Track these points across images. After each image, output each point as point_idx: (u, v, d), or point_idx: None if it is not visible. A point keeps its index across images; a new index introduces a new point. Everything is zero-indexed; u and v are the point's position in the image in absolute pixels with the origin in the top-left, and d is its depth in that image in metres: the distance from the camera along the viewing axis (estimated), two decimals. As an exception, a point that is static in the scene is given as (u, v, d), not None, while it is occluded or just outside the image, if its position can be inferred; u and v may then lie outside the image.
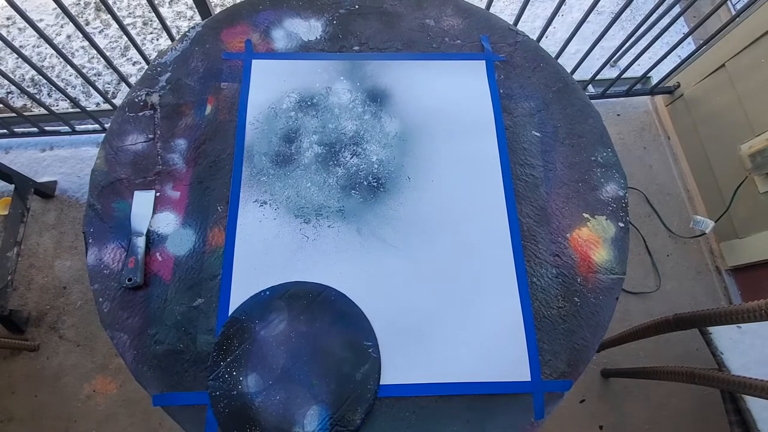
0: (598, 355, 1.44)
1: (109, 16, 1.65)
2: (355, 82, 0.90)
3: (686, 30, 1.87)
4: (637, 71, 1.65)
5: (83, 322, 1.44)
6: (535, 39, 1.05)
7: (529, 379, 0.71)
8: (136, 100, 0.87)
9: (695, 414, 1.41)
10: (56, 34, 1.91)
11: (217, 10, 1.10)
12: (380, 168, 0.84)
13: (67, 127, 1.59)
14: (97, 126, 1.62)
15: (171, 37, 1.37)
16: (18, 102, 1.79)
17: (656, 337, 1.10)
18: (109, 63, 1.35)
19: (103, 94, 1.48)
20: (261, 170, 0.82)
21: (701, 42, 1.47)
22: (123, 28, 1.26)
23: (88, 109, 1.56)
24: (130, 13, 1.98)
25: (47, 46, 1.49)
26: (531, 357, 0.72)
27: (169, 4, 2.01)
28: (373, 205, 0.81)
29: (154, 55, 1.86)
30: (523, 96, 0.92)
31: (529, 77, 0.94)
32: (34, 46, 1.88)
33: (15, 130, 1.60)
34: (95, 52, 1.33)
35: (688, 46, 1.89)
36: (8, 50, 1.72)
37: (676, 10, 1.38)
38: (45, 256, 1.52)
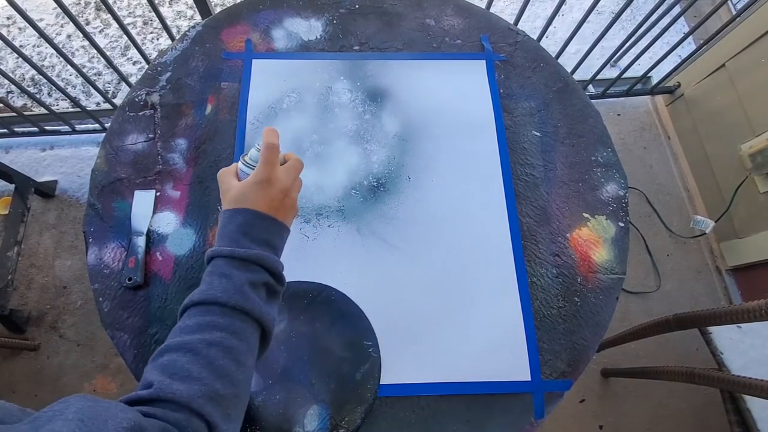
0: (598, 355, 1.44)
1: (109, 15, 1.65)
2: (355, 81, 0.90)
3: (686, 30, 1.87)
4: (637, 71, 1.65)
5: (83, 321, 1.44)
6: (535, 39, 1.05)
7: (529, 379, 0.71)
8: (137, 99, 0.87)
9: (695, 414, 1.41)
10: (56, 34, 1.91)
11: (218, 9, 1.11)
12: (380, 167, 0.84)
13: (67, 127, 1.59)
14: (97, 125, 1.62)
15: (171, 37, 1.37)
16: (18, 101, 1.79)
17: (656, 336, 1.10)
18: (110, 62, 1.35)
19: (103, 94, 1.48)
20: (261, 170, 0.82)
21: (701, 42, 1.47)
22: (123, 27, 1.26)
23: (88, 108, 1.56)
24: (130, 12, 1.98)
25: (47, 45, 1.48)
26: (531, 357, 0.72)
27: (170, 3, 2.01)
28: (373, 205, 0.81)
29: (154, 54, 1.86)
30: (524, 96, 0.92)
31: (529, 77, 0.94)
32: (34, 46, 1.88)
33: (15, 129, 1.60)
34: (95, 51, 1.33)
35: (689, 46, 1.89)
36: (8, 50, 1.72)
37: (677, 10, 1.37)
38: (45, 255, 1.52)
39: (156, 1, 1.45)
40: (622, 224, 0.82)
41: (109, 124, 0.86)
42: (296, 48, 0.93)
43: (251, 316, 0.42)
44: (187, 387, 0.36)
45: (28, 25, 1.16)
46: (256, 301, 0.43)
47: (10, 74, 1.44)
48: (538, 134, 0.89)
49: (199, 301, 0.42)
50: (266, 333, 0.45)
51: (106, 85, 1.83)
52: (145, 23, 1.96)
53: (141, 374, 0.69)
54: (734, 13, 1.49)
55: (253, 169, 0.53)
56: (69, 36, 1.91)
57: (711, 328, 1.05)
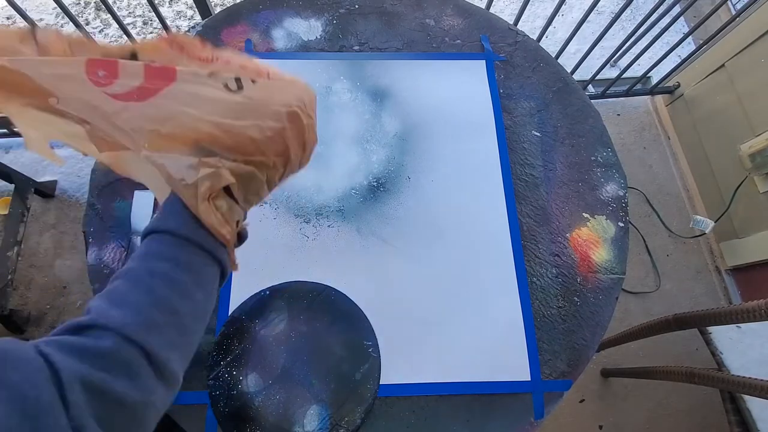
0: (598, 355, 1.44)
1: (109, 15, 1.65)
2: (355, 81, 0.90)
3: (686, 30, 1.87)
4: (637, 71, 1.65)
5: (83, 321, 1.44)
6: (535, 39, 1.05)
7: (529, 379, 0.71)
8: (136, 99, 0.87)
9: (695, 414, 1.41)
10: (56, 34, 1.91)
11: (217, 9, 1.11)
12: (380, 167, 0.84)
13: (67, 127, 1.59)
14: (97, 125, 1.61)
15: (171, 37, 1.37)
16: (18, 101, 1.79)
17: (656, 336, 1.10)
18: (109, 62, 1.34)
19: (103, 94, 1.48)
20: (261, 170, 0.82)
21: (701, 42, 1.47)
22: (123, 27, 1.26)
23: (88, 108, 1.56)
24: (130, 12, 1.98)
25: (47, 45, 1.48)
26: (531, 357, 0.72)
27: (169, 3, 2.01)
28: (373, 205, 0.81)
29: (154, 54, 1.86)
30: (523, 96, 0.92)
31: (529, 77, 0.94)
32: (34, 46, 1.88)
33: (15, 129, 1.60)
34: (95, 51, 1.32)
35: (688, 46, 1.89)
36: (8, 50, 1.71)
37: (676, 10, 1.37)
38: (45, 255, 1.52)
39: (156, 1, 1.45)
40: (621, 224, 0.82)
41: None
42: (296, 48, 0.93)
43: (203, 248, 0.39)
44: (122, 313, 0.33)
45: (28, 25, 1.16)
46: (207, 237, 0.39)
47: (10, 74, 1.44)
48: (538, 134, 0.89)
49: (153, 229, 0.39)
50: (224, 269, 0.42)
51: (106, 85, 1.82)
52: (145, 23, 1.96)
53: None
54: (734, 13, 1.49)
55: None
56: (69, 36, 1.90)
57: (711, 328, 1.05)
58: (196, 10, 1.33)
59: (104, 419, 0.29)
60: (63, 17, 1.93)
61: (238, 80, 0.38)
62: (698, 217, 1.59)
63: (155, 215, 0.41)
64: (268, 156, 0.40)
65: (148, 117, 0.37)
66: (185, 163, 0.37)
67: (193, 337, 0.38)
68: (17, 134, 1.61)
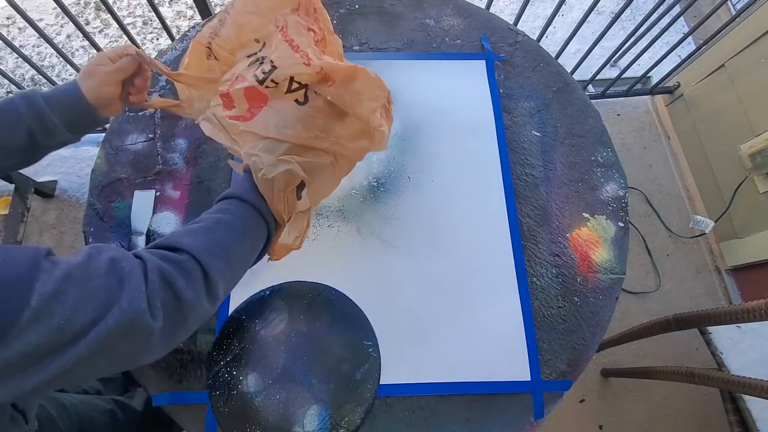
0: (598, 355, 1.44)
1: (109, 15, 1.65)
2: (355, 81, 0.90)
3: (686, 30, 1.87)
4: (637, 71, 1.65)
5: (83, 321, 1.44)
6: (535, 39, 1.05)
7: (529, 379, 0.71)
8: (136, 99, 0.87)
9: (695, 414, 1.41)
10: (56, 34, 1.91)
11: (217, 9, 1.10)
12: (380, 167, 0.84)
13: (67, 127, 1.59)
14: (97, 125, 1.61)
15: (171, 37, 1.37)
16: (18, 101, 1.79)
17: (656, 336, 1.10)
18: (109, 62, 1.34)
19: (103, 94, 1.47)
20: (261, 170, 0.82)
21: (701, 42, 1.47)
22: (123, 27, 1.26)
23: (88, 108, 1.56)
24: (130, 12, 1.98)
25: (47, 45, 1.48)
26: (531, 357, 0.72)
27: (169, 3, 2.01)
28: (373, 205, 0.81)
29: (154, 54, 1.86)
30: (523, 96, 0.92)
31: (529, 77, 0.94)
32: (34, 46, 1.88)
33: (15, 129, 1.60)
34: (95, 51, 1.33)
35: (688, 46, 1.89)
36: (8, 50, 1.71)
37: (676, 9, 1.37)
38: (45, 255, 1.52)
39: (156, 1, 1.45)
40: (621, 224, 0.82)
41: (109, 124, 0.86)
42: (296, 48, 0.93)
43: (260, 213, 0.53)
44: (194, 242, 0.48)
45: (28, 25, 1.16)
46: (266, 207, 0.54)
47: (10, 74, 1.44)
48: (538, 134, 0.89)
49: (227, 195, 0.55)
50: (270, 234, 0.56)
51: (106, 85, 1.82)
52: (144, 23, 1.96)
53: (140, 374, 0.69)
54: (734, 13, 1.49)
55: None
56: (69, 36, 1.90)
57: (711, 328, 1.05)
58: (196, 10, 1.33)
59: (165, 305, 0.43)
60: (63, 17, 1.93)
61: (306, 95, 0.54)
62: (698, 217, 1.59)
63: (230, 187, 0.59)
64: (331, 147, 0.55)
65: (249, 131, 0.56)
66: (267, 161, 0.52)
67: (237, 272, 0.52)
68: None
